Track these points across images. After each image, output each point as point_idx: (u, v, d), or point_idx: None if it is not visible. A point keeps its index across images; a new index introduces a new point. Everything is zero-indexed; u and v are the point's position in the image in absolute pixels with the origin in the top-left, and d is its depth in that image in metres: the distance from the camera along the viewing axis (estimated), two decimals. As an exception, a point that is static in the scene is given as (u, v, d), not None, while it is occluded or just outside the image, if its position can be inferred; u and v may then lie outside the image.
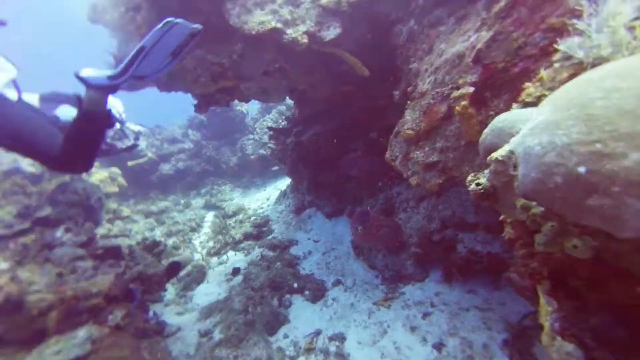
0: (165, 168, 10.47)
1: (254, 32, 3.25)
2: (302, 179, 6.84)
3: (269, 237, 6.02)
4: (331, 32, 3.42)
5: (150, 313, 3.42)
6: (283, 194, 7.66)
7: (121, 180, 8.48)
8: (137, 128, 6.30)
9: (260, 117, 12.28)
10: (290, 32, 3.35)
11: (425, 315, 3.32)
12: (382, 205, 4.35)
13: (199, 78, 3.50)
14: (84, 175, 6.94)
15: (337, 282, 4.27)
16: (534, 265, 1.31)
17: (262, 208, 7.78)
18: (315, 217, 6.15)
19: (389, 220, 3.94)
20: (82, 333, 2.54)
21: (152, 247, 4.39)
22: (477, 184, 1.26)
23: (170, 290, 4.64)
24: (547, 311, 1.75)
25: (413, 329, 3.22)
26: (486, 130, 1.30)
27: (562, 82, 1.13)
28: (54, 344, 2.48)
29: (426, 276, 3.81)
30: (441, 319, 3.20)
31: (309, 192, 6.59)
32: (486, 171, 1.24)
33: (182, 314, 4.07)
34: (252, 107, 13.28)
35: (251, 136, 11.27)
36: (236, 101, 13.68)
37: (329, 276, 4.48)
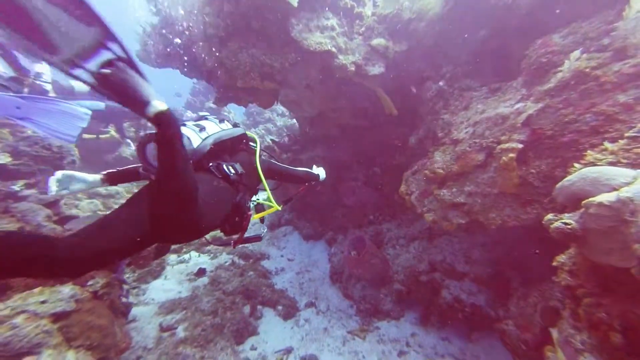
0: (127, 152, 9.58)
1: (311, 49, 3.48)
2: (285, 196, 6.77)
3: (239, 246, 5.71)
4: (376, 69, 3.75)
5: (124, 291, 2.94)
6: (257, 207, 7.44)
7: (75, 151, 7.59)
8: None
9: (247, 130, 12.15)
10: (342, 58, 3.64)
11: (401, 353, 3.34)
12: (371, 238, 4.47)
13: (250, 73, 3.61)
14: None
15: (310, 304, 4.14)
16: (601, 315, 1.45)
17: (231, 216, 7.43)
18: (291, 236, 6.03)
19: (380, 252, 4.04)
20: (66, 290, 2.12)
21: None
22: (565, 223, 1.41)
23: (124, 276, 4.08)
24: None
25: (388, 364, 3.20)
26: (571, 178, 1.51)
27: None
28: (39, 293, 2.03)
29: (402, 315, 3.88)
30: (417, 360, 3.24)
31: (289, 210, 6.51)
32: (570, 214, 1.42)
33: (136, 305, 3.57)
34: (238, 119, 13.18)
35: (233, 144, 11.01)
36: (225, 108, 13.32)
37: (301, 297, 4.33)
